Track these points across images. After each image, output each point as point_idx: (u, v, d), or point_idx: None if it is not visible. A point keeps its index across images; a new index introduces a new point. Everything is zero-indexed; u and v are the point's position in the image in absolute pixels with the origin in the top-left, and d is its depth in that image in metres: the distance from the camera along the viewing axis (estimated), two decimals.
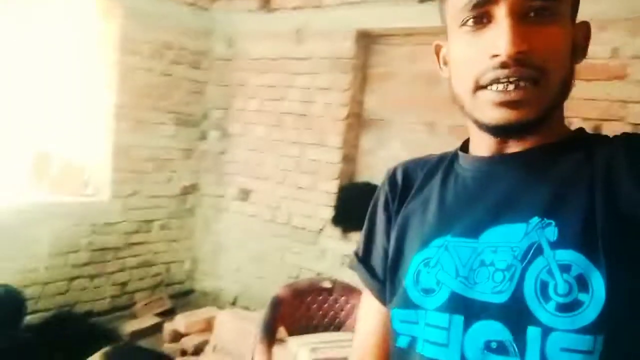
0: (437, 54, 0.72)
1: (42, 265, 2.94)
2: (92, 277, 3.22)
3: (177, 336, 3.06)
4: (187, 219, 3.81)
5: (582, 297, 0.53)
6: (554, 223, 0.57)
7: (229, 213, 3.74)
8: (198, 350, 2.97)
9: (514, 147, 0.65)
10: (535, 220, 0.58)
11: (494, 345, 0.56)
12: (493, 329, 0.57)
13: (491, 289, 0.58)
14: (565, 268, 0.54)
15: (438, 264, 0.63)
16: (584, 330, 0.52)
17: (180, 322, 3.09)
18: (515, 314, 0.55)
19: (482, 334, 0.57)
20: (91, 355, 2.69)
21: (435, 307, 0.61)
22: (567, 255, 0.55)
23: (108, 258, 3.29)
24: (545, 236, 0.57)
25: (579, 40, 0.65)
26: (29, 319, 2.84)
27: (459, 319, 0.59)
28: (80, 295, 3.17)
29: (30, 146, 3.19)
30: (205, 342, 2.98)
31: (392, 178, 0.78)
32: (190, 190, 3.77)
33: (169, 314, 3.52)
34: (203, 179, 3.84)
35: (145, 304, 3.50)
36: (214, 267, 3.83)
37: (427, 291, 0.63)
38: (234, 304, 3.68)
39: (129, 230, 3.39)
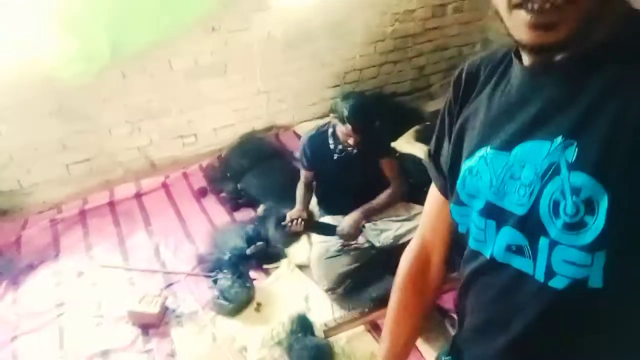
0: None
1: (357, 53, 3.40)
2: (395, 62, 3.58)
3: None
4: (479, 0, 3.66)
5: (587, 219, 0.56)
6: (575, 144, 0.58)
7: None
8: None
9: (559, 55, 0.61)
10: (559, 140, 0.60)
11: (514, 248, 0.65)
12: (514, 235, 0.64)
13: (516, 201, 0.64)
14: (576, 191, 0.57)
15: (478, 173, 0.69)
16: (583, 248, 0.57)
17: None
18: (531, 226, 0.62)
19: (507, 237, 0.65)
20: (403, 129, 3.21)
21: (477, 210, 0.70)
22: (580, 178, 0.57)
23: (408, 44, 3.55)
24: (565, 157, 0.58)
25: None
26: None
27: (492, 223, 0.67)
28: (387, 78, 3.62)
29: None
30: None
31: (457, 78, 0.78)
32: None
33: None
34: None
35: (441, 85, 3.78)
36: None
37: (471, 196, 0.71)
38: None
39: (425, 16, 3.50)
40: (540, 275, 0.62)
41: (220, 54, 2.97)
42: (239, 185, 2.85)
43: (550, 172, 0.60)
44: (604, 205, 0.55)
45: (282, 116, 3.37)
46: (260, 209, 2.69)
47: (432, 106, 3.56)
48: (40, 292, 2.30)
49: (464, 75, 0.77)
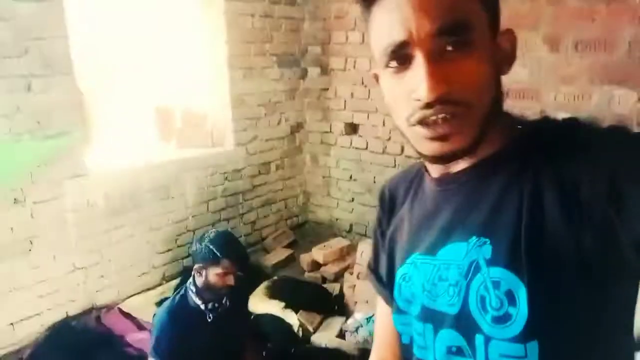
0: (378, 81, 0.71)
1: (189, 214, 3.21)
2: (228, 219, 3.49)
3: (316, 265, 3.35)
4: (297, 156, 3.97)
5: (511, 310, 0.58)
6: (489, 241, 0.62)
7: (337, 147, 3.87)
8: (337, 277, 3.24)
9: (460, 164, 0.67)
10: (474, 239, 0.63)
11: (454, 349, 0.65)
12: (452, 336, 0.65)
13: (447, 302, 0.65)
14: (496, 284, 0.60)
15: (411, 279, 0.72)
16: (514, 339, 0.58)
17: (317, 253, 3.35)
18: (465, 324, 0.63)
19: (445, 339, 0.66)
20: (248, 286, 3.02)
21: (414, 316, 0.71)
22: (498, 272, 0.60)
23: (239, 201, 3.53)
24: (482, 254, 0.62)
25: (505, 50, 0.65)
26: (187, 261, 3.19)
27: (429, 327, 0.68)
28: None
29: (152, 103, 3.34)
30: (343, 270, 3.25)
31: (382, 196, 0.85)
32: (297, 128, 3.89)
33: (292, 245, 3.82)
34: (308, 117, 3.93)
35: (274, 238, 3.79)
36: (327, 199, 4.03)
37: (408, 301, 0.73)
38: (349, 231, 3.92)
39: (252, 173, 3.60)
40: None
41: (24, 230, 2.44)
42: None
43: (472, 270, 0.62)
44: (522, 295, 0.57)
45: (104, 294, 2.84)
46: None
47: (270, 259, 3.50)
48: None
49: (387, 192, 0.83)
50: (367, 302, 2.87)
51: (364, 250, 3.02)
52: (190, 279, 1.88)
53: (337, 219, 4.02)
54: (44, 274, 2.55)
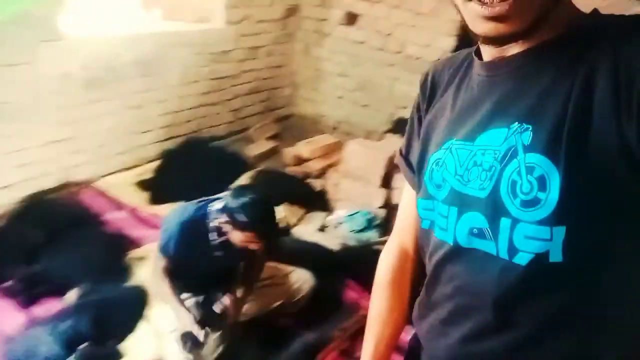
0: None
1: (171, 94, 3.01)
2: (211, 104, 3.31)
3: (299, 161, 3.28)
4: (288, 44, 3.70)
5: (540, 195, 0.60)
6: (531, 127, 0.63)
7: (333, 38, 3.62)
8: (321, 174, 3.21)
9: (514, 48, 0.66)
10: (515, 125, 0.64)
11: (475, 231, 0.68)
12: (476, 218, 0.67)
13: (478, 186, 0.67)
14: (530, 170, 0.62)
15: (444, 164, 0.73)
16: (542, 222, 0.61)
17: (302, 148, 3.27)
18: (492, 208, 0.65)
19: (469, 222, 0.68)
20: (230, 176, 2.96)
21: (441, 200, 0.74)
22: (534, 158, 0.61)
23: (224, 86, 3.32)
24: (521, 140, 0.63)
25: None
26: (166, 144, 3.05)
27: (454, 210, 0.71)
28: (203, 122, 3.31)
29: None
30: (327, 167, 3.21)
31: (424, 81, 0.84)
32: (292, 12, 3.58)
33: (276, 137, 3.71)
34: (305, 0, 3.60)
35: (257, 129, 3.66)
36: (315, 93, 3.87)
37: (438, 186, 0.74)
38: (335, 129, 3.83)
39: (240, 57, 3.35)
40: (504, 253, 0.64)
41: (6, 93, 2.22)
42: (33, 268, 2.12)
43: (508, 155, 0.63)
44: (555, 181, 0.59)
45: (80, 170, 2.71)
46: (72, 294, 2.05)
47: (253, 150, 3.41)
48: None
49: (429, 77, 0.82)
50: (349, 200, 2.89)
51: (353, 150, 2.97)
52: (219, 205, 1.73)
53: (323, 115, 3.89)
54: (17, 144, 2.39)
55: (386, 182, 2.84)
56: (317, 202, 2.93)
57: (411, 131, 0.87)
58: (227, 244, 1.73)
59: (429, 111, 0.81)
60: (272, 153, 3.48)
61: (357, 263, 2.33)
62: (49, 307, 2.02)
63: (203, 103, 3.24)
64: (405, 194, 0.92)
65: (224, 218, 1.69)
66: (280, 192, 2.79)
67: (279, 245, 2.30)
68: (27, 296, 2.04)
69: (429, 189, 0.76)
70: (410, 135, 0.88)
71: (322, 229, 2.74)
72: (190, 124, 3.21)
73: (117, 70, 2.64)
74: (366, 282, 1.83)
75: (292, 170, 3.27)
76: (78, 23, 2.61)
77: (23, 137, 2.39)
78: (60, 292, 2.07)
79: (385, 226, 2.67)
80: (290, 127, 3.96)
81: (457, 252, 0.71)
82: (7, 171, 2.40)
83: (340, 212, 2.82)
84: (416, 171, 0.83)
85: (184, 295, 1.85)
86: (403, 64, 3.33)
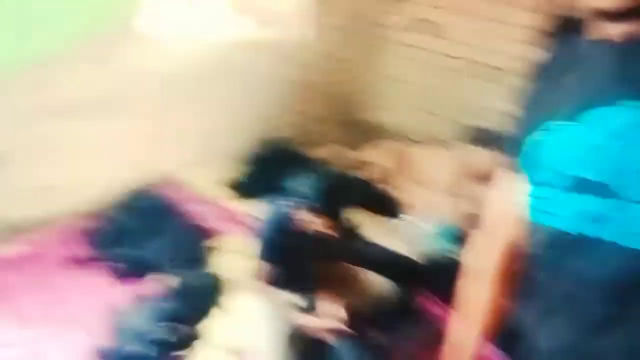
0: None
1: (264, 99, 3.21)
2: (282, 106, 3.43)
3: (366, 165, 3.36)
4: (357, 50, 3.81)
5: None
6: None
7: (401, 45, 3.68)
8: (387, 179, 3.26)
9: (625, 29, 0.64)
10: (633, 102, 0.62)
11: (589, 214, 0.65)
12: (591, 201, 0.65)
13: (593, 168, 0.66)
14: None
15: (557, 146, 0.71)
16: None
17: (369, 153, 3.36)
18: (609, 192, 0.64)
19: (583, 204, 0.66)
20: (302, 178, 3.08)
21: (552, 184, 0.71)
22: None
23: (298, 92, 3.47)
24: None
25: None
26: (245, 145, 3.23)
27: (565, 194, 0.69)
28: (278, 126, 3.47)
29: None
30: (394, 173, 3.27)
31: (538, 66, 0.83)
32: (367, 20, 3.67)
33: (345, 143, 3.81)
34: (381, 8, 3.70)
35: (323, 132, 3.77)
36: (385, 99, 3.94)
37: (549, 170, 0.72)
38: (403, 137, 3.87)
39: (314, 63, 3.46)
40: (625, 240, 0.61)
41: (103, 89, 2.45)
42: (132, 252, 2.36)
43: (625, 135, 0.61)
44: None
45: (167, 165, 2.94)
46: (173, 279, 2.22)
47: (318, 154, 3.49)
48: None
49: (543, 61, 0.82)
50: (417, 207, 2.89)
51: (422, 157, 3.02)
52: (294, 200, 1.85)
53: (390, 122, 3.95)
54: (118, 138, 2.62)
55: (456, 191, 2.85)
56: (386, 207, 2.97)
57: (521, 115, 0.86)
58: (310, 236, 1.84)
59: (541, 94, 0.81)
60: (339, 157, 3.58)
61: (434, 273, 2.30)
62: (146, 287, 2.22)
63: (278, 108, 3.39)
64: (504, 185, 0.89)
65: (300, 210, 1.81)
66: (349, 195, 2.87)
67: (354, 247, 2.32)
68: (127, 276, 2.26)
69: (537, 173, 0.74)
70: (520, 120, 0.86)
71: (392, 234, 2.75)
72: (267, 128, 3.38)
73: (204, 72, 2.84)
74: (443, 294, 1.82)
75: (359, 174, 3.36)
76: (171, 25, 2.81)
77: (122, 132, 2.63)
78: (154, 274, 2.27)
79: (460, 235, 2.59)
80: (358, 132, 4.05)
81: (569, 240, 0.68)
82: (108, 163, 2.65)
83: (410, 218, 2.83)
84: (521, 157, 0.80)
85: (287, 296, 1.93)
86: (472, 72, 3.35)
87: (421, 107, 3.69)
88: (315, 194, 1.76)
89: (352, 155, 3.44)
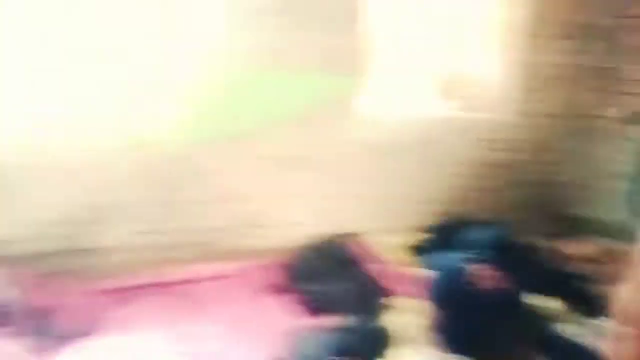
0: None
1: (449, 175, 3.34)
2: (483, 190, 3.46)
3: (575, 260, 3.08)
4: (569, 140, 3.66)
5: None
6: None
7: (616, 137, 3.43)
8: (597, 278, 2.91)
9: None
10: None
11: None
12: None
13: None
14: None
15: None
16: None
17: (577, 248, 3.11)
18: None
19: None
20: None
21: None
22: None
23: (498, 174, 3.48)
24: None
25: None
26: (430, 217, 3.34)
27: None
28: (475, 207, 3.45)
29: (435, 64, 3.51)
30: (604, 272, 2.91)
31: None
32: (575, 110, 3.57)
33: (548, 234, 3.55)
34: (592, 99, 3.57)
35: (527, 224, 3.58)
36: (594, 193, 3.64)
37: None
38: (616, 235, 3.46)
39: (519, 149, 3.49)
40: None
41: (312, 149, 2.93)
42: (315, 289, 2.62)
43: None
44: None
45: (357, 223, 3.20)
46: (349, 321, 2.38)
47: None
48: None
49: None
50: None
51: None
52: (468, 257, 1.88)
53: (600, 218, 3.59)
54: (320, 191, 3.02)
55: None
56: (592, 306, 2.66)
57: None
58: (486, 292, 1.80)
59: None
60: (543, 249, 3.36)
61: None
62: (323, 321, 2.40)
63: (472, 187, 3.43)
64: None
65: (477, 263, 1.79)
66: (553, 285, 2.71)
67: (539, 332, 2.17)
68: (310, 308, 2.51)
69: None
70: None
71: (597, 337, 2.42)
72: (462, 207, 3.42)
73: (403, 145, 3.13)
74: None
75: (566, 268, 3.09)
76: (376, 102, 3.20)
77: (324, 186, 3.02)
78: (330, 312, 2.45)
79: None
80: (566, 226, 3.76)
81: None
82: (308, 211, 3.05)
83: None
84: None
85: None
86: None
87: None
88: (491, 250, 1.74)
89: (562, 248, 3.22)
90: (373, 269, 2.93)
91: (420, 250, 3.08)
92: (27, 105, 2.48)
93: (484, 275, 1.75)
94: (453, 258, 1.94)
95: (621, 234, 3.42)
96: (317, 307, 2.49)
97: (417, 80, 3.47)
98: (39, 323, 2.20)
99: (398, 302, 2.65)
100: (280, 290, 2.65)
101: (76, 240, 2.59)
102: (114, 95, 2.53)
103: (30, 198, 2.49)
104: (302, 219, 3.05)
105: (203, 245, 2.87)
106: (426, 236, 3.21)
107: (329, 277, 2.68)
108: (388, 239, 3.22)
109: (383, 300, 2.66)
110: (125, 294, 2.52)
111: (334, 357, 2.07)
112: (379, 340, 2.31)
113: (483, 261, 1.74)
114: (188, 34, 2.55)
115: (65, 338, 2.14)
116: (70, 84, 2.51)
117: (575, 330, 2.42)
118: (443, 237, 3.10)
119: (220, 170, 2.77)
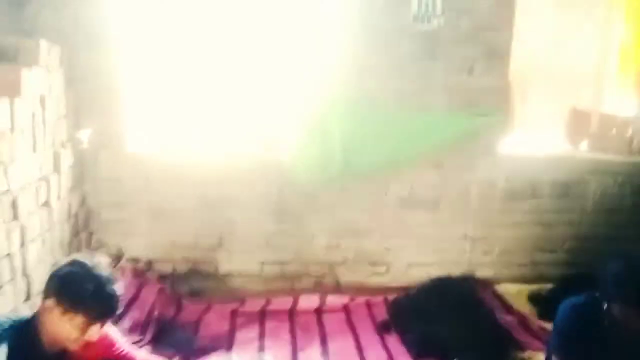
0: None
1: (583, 220, 3.04)
2: (625, 238, 3.04)
3: None
4: None
5: None
6: None
7: None
8: None
9: None
10: None
11: None
12: None
13: None
14: None
15: None
16: None
17: None
18: None
19: None
20: None
21: None
22: None
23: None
24: None
25: None
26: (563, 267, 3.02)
27: None
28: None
29: (569, 102, 3.33)
30: None
31: None
32: None
33: None
34: None
35: None
36: None
37: None
38: None
39: None
40: None
41: (437, 190, 2.91)
42: (429, 329, 2.49)
43: None
44: None
45: (483, 269, 3.04)
46: None
47: None
48: None
49: None
50: None
51: None
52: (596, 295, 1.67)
53: None
54: (442, 232, 2.96)
55: None
56: None
57: None
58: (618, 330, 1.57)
59: None
60: None
61: None
62: None
63: (621, 235, 3.03)
64: None
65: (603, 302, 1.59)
66: None
67: None
68: (418, 349, 2.42)
69: None
70: None
71: None
72: (596, 254, 3.07)
73: (535, 187, 2.95)
74: None
75: None
76: (510, 142, 3.06)
77: (446, 227, 2.96)
78: (442, 354, 2.34)
79: None
80: None
81: None
82: (428, 251, 2.98)
83: None
84: None
85: None
86: None
87: None
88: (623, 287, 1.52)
89: None
90: (500, 319, 2.72)
91: (546, 301, 2.80)
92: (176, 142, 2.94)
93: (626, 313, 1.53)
94: (577, 300, 1.74)
95: None
96: (425, 347, 2.41)
97: (556, 118, 3.32)
98: (183, 338, 2.45)
99: (529, 354, 2.42)
100: (387, 328, 2.65)
101: (208, 264, 2.88)
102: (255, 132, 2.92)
103: (170, 225, 2.83)
104: (428, 259, 3.00)
105: (325, 277, 2.97)
106: (553, 287, 2.93)
107: (442, 315, 2.56)
108: (516, 287, 2.98)
109: (516, 353, 2.44)
110: (255, 317, 2.71)
111: None
112: None
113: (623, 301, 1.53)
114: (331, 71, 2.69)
115: (204, 351, 2.35)
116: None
117: None
118: (569, 289, 2.77)
119: (345, 205, 2.88)
